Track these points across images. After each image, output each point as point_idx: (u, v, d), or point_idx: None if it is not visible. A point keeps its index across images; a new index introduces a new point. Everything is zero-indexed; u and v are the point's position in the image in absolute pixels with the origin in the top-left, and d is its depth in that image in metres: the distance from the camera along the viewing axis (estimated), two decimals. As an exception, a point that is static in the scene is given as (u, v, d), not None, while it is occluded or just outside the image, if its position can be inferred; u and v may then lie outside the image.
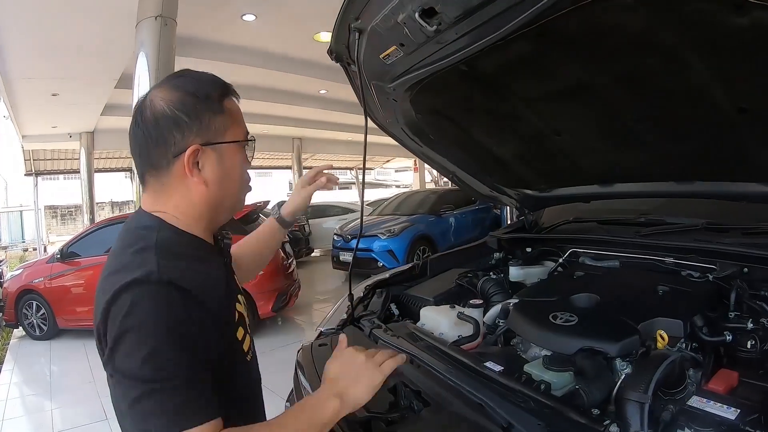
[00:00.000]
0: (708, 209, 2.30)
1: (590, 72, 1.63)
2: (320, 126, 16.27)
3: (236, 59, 9.10)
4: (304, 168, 20.38)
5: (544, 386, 1.30)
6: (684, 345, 1.40)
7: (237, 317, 1.06)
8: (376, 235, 9.34)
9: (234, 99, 1.08)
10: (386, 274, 2.55)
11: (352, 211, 14.12)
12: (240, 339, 1.06)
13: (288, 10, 7.39)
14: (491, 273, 2.56)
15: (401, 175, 36.17)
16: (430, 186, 24.33)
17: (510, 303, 1.89)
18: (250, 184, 1.14)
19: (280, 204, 1.61)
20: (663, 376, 1.20)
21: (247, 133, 1.09)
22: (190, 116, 0.97)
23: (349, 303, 2.19)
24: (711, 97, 1.53)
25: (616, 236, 2.39)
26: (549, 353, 1.48)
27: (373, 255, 9.23)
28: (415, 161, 23.93)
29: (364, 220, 10.29)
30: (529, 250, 2.89)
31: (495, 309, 1.99)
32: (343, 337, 1.16)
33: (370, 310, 2.17)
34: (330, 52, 1.83)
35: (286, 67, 9.94)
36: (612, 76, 1.62)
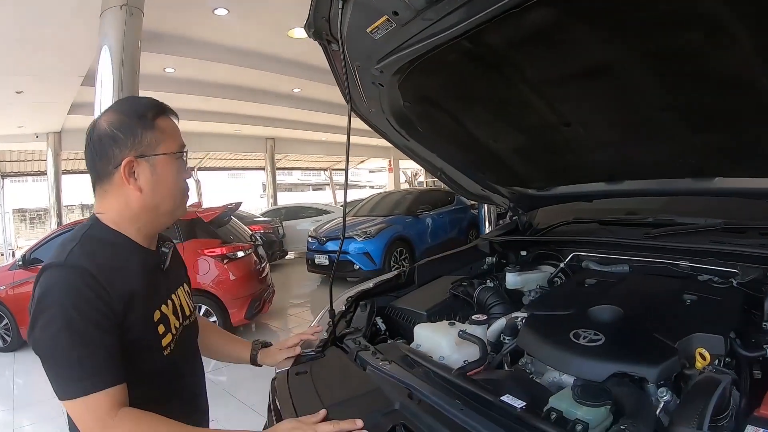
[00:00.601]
0: (717, 208, 2.14)
1: (616, 50, 1.40)
2: (294, 126, 15.92)
3: (207, 56, 8.73)
4: (278, 169, 20.01)
5: (581, 427, 1.06)
6: (720, 362, 1.23)
7: (159, 316, 1.21)
8: (352, 237, 9.12)
9: (169, 117, 1.24)
10: (370, 284, 2.29)
11: (327, 212, 13.79)
12: (160, 334, 1.21)
13: (261, 5, 6.99)
14: (487, 280, 2.33)
15: (375, 176, 35.96)
16: (405, 187, 24.19)
17: (518, 317, 1.66)
18: (188, 192, 1.30)
19: (264, 344, 1.66)
20: (716, 405, 1.02)
21: (182, 146, 1.24)
22: (125, 133, 1.15)
23: (330, 319, 1.92)
24: (753, 83, 1.34)
25: (623, 238, 2.18)
26: (574, 378, 1.26)
27: (349, 257, 8.99)
28: (389, 161, 23.68)
29: (338, 221, 10.11)
30: (524, 253, 2.67)
31: (499, 323, 1.75)
32: (322, 413, 1.18)
33: (353, 326, 1.91)
34: (307, 26, 1.57)
35: (259, 64, 9.56)
36: (641, 56, 1.40)
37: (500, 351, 1.61)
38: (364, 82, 1.77)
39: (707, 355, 1.21)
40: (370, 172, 36.02)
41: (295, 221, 13.72)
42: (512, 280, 2.26)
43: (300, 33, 7.73)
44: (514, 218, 2.88)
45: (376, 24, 1.35)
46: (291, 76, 10.14)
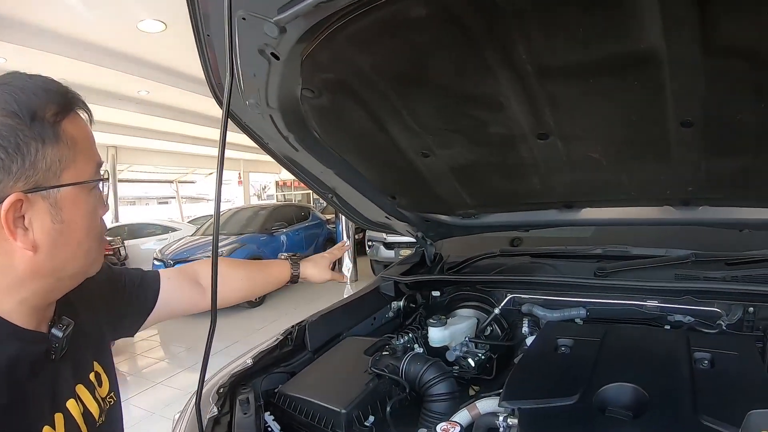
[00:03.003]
0: (670, 236, 1.90)
1: (673, 34, 0.92)
2: (139, 133, 14.25)
3: (42, 45, 7.35)
4: (119, 181, 17.92)
5: None
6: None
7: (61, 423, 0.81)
8: (201, 260, 7.98)
9: (79, 116, 0.82)
10: (248, 360, 1.56)
11: (174, 230, 12.73)
12: None
13: None
14: (406, 339, 1.76)
15: (223, 188, 33.97)
16: (254, 200, 23.06)
17: (497, 415, 1.16)
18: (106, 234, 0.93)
19: (297, 257, 1.50)
20: None
21: (99, 164, 0.84)
22: (7, 150, 0.71)
23: (198, 425, 1.17)
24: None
25: (571, 277, 1.75)
26: None
27: (199, 282, 7.87)
28: (239, 174, 22.19)
29: (186, 242, 8.99)
30: (436, 294, 2.14)
31: (461, 417, 1.20)
32: None
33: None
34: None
35: (103, 60, 8.26)
36: (703, 49, 0.95)
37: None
38: (246, 50, 1.08)
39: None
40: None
41: (139, 240, 12.51)
42: (438, 335, 1.74)
43: (151, 26, 6.89)
44: (419, 249, 2.34)
45: None
46: (138, 77, 8.97)
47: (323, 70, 1.17)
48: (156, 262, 8.60)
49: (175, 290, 1.19)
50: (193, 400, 1.50)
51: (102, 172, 0.85)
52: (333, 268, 1.60)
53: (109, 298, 1.05)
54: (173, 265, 8.05)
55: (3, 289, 0.77)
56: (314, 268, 1.52)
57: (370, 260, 9.37)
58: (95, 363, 0.97)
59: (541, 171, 1.53)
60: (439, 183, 1.74)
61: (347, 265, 10.02)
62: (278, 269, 1.46)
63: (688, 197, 1.55)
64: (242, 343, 5.39)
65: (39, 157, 0.73)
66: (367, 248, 9.47)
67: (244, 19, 0.96)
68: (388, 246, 8.79)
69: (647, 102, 1.15)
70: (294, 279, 1.47)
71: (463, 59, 1.08)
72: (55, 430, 0.81)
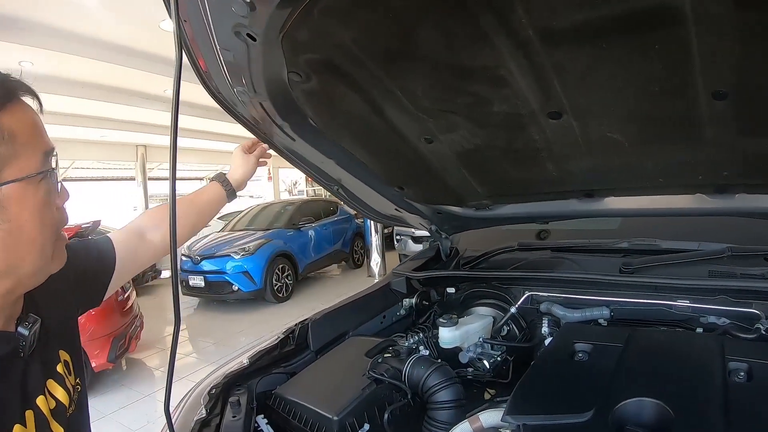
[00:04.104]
0: (690, 227, 1.79)
1: None
2: (168, 132, 14.15)
3: (69, 48, 7.48)
4: (150, 179, 18.25)
5: None
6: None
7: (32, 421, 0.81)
8: (229, 255, 8.19)
9: (21, 104, 0.76)
10: (244, 360, 1.50)
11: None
12: None
13: None
14: (413, 340, 1.65)
15: (252, 184, 34.37)
16: (285, 196, 23.18)
17: (499, 429, 1.04)
18: (66, 223, 0.85)
19: (220, 174, 1.43)
20: None
21: (49, 152, 0.78)
22: None
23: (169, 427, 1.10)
24: None
25: (593, 274, 1.61)
26: None
27: (227, 278, 8.05)
28: (269, 169, 22.37)
29: (214, 237, 9.07)
30: (452, 290, 2.03)
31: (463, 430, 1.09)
32: None
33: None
34: None
35: (129, 60, 8.42)
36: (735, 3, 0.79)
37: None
38: (222, 34, 0.98)
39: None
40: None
41: (169, 236, 12.48)
42: (449, 336, 1.62)
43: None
44: (434, 243, 2.22)
45: None
46: (164, 76, 9.14)
47: (305, 50, 1.06)
48: (184, 258, 8.66)
49: (128, 252, 1.16)
50: (189, 396, 1.44)
51: (51, 160, 0.79)
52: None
53: (71, 280, 1.01)
54: (201, 262, 8.17)
55: (16, 273, 0.77)
56: (238, 168, 1.45)
57: (399, 254, 9.27)
58: (62, 352, 0.95)
59: (555, 155, 1.39)
60: (446, 171, 1.62)
61: (375, 260, 9.95)
62: (209, 192, 1.41)
63: (723, 183, 1.39)
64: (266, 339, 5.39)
65: None
66: (395, 242, 9.37)
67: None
68: (417, 240, 8.66)
69: (671, 69, 1.00)
70: (230, 191, 1.42)
71: (453, 27, 0.95)
72: (26, 428, 0.80)
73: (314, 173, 1.72)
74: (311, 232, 9.76)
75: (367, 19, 0.96)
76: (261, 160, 1.51)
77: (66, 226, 0.87)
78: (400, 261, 9.25)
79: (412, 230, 8.55)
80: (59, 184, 0.82)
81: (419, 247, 8.98)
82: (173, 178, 0.90)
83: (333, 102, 1.31)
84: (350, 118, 1.39)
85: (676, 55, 0.95)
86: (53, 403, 0.88)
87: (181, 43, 0.88)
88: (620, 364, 1.13)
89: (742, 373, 1.06)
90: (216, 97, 1.33)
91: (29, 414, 0.82)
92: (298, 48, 1.05)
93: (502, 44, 0.97)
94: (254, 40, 1.00)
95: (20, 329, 0.83)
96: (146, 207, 17.50)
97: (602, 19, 0.89)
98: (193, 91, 1.48)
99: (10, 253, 0.75)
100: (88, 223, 5.90)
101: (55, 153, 0.80)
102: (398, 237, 9.12)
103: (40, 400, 0.85)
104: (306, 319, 1.72)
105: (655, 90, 1.06)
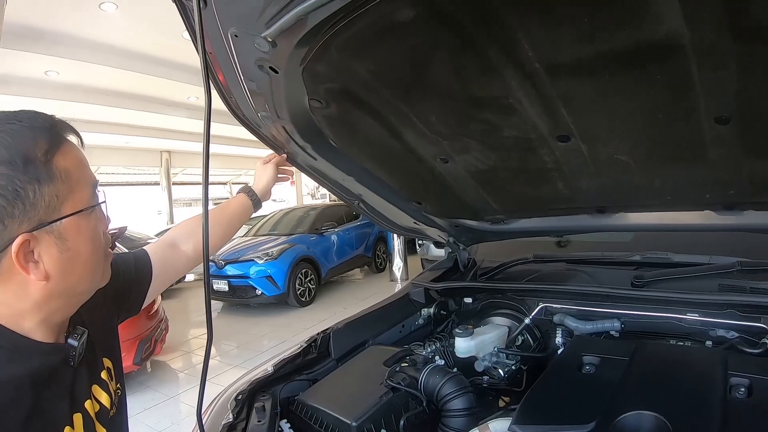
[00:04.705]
0: (702, 241, 1.82)
1: (693, 21, 0.81)
2: (191, 138, 14.69)
3: (93, 58, 7.74)
4: (174, 184, 18.55)
5: None
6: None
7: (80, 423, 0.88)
8: (253, 260, 8.26)
9: (70, 145, 0.84)
10: (269, 367, 1.57)
11: None
12: None
13: (153, 1, 6.24)
14: (430, 350, 1.71)
15: (275, 188, 34.66)
16: (308, 200, 23.32)
17: None
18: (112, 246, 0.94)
19: (245, 186, 1.53)
20: None
21: (95, 184, 0.87)
22: (7, 198, 0.74)
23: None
24: None
25: (605, 287, 1.65)
26: None
27: (251, 282, 8.12)
28: (292, 174, 22.59)
29: (237, 242, 9.19)
30: (469, 300, 2.08)
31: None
32: None
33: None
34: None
35: (151, 68, 8.67)
36: (733, 35, 0.83)
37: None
38: (246, 67, 1.07)
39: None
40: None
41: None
42: (464, 346, 1.68)
43: (196, 34, 7.15)
44: (451, 254, 2.29)
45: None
46: (186, 83, 9.42)
47: (325, 81, 1.14)
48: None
49: (163, 263, 1.25)
50: (218, 401, 1.53)
51: (98, 192, 0.88)
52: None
53: (112, 291, 1.09)
54: (224, 266, 8.32)
55: (22, 313, 0.83)
56: (261, 178, 1.54)
57: (421, 259, 9.28)
58: (105, 359, 1.04)
59: (565, 175, 1.44)
60: (462, 189, 1.68)
61: (398, 264, 9.98)
62: (236, 203, 1.50)
63: (730, 201, 1.42)
64: (290, 343, 5.47)
65: (38, 198, 0.77)
66: (417, 246, 9.38)
67: (236, 36, 0.95)
68: (439, 244, 8.65)
69: (674, 97, 1.04)
70: (255, 201, 1.51)
71: (463, 61, 1.02)
72: (74, 429, 0.88)
73: (336, 189, 1.80)
74: (334, 237, 9.76)
75: (380, 54, 1.03)
76: (281, 175, 1.60)
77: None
78: (423, 265, 9.28)
79: (434, 235, 8.56)
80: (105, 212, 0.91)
81: (441, 252, 8.96)
82: (205, 203, 0.98)
83: (352, 126, 1.38)
84: (368, 140, 1.46)
85: (678, 85, 1.00)
86: (97, 407, 0.97)
87: (208, 74, 0.96)
88: (624, 377, 1.18)
89: (743, 389, 1.09)
90: (241, 119, 1.42)
91: (77, 417, 0.90)
92: (317, 78, 1.13)
93: (510, 76, 1.04)
94: (276, 72, 1.08)
95: (70, 341, 0.92)
96: (170, 211, 17.76)
97: (604, 54, 0.94)
98: (216, 98, 1.57)
99: (69, 276, 0.84)
100: (114, 230, 6.03)
101: (98, 183, 0.89)
102: (420, 241, 9.14)
103: (87, 404, 0.93)
104: (328, 329, 1.79)
105: (659, 116, 1.11)
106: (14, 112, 0.81)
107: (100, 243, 0.89)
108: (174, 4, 1.01)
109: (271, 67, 1.05)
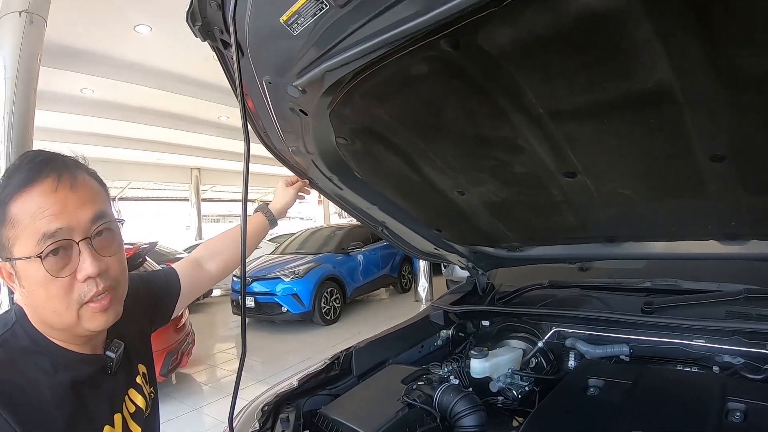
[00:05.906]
0: (711, 269, 1.85)
1: (688, 67, 0.88)
2: (221, 156, 15.05)
3: (127, 77, 8.07)
4: (203, 200, 18.96)
5: None
6: None
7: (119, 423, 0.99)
8: (279, 277, 8.39)
9: (33, 192, 0.84)
10: (294, 382, 1.68)
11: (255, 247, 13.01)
12: None
13: (185, 23, 6.38)
14: (447, 370, 1.79)
15: (303, 206, 35.03)
16: (335, 218, 23.52)
17: None
18: (90, 293, 0.89)
19: (263, 205, 1.62)
20: None
21: (47, 235, 0.84)
22: None
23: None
24: None
25: (616, 313, 1.72)
26: None
27: (277, 299, 8.26)
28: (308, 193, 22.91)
29: (265, 260, 9.35)
30: (486, 323, 2.16)
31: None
32: None
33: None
34: (191, 18, 1.00)
35: (183, 88, 8.98)
36: (723, 82, 0.90)
37: None
38: (279, 108, 1.20)
39: None
40: (298, 202, 35.01)
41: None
42: (479, 367, 1.76)
43: (227, 56, 7.40)
44: (470, 279, 2.38)
45: (294, 7, 0.79)
46: (217, 103, 9.66)
47: (349, 122, 1.27)
48: (235, 279, 8.86)
49: (190, 280, 1.36)
50: (245, 411, 1.64)
51: (49, 242, 0.84)
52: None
53: (146, 304, 1.23)
54: (251, 282, 8.48)
55: (53, 328, 0.92)
56: (280, 199, 1.62)
57: (446, 280, 9.31)
58: (140, 366, 1.15)
59: (574, 208, 1.53)
60: (479, 218, 1.78)
61: (423, 285, 9.99)
62: (255, 222, 1.58)
63: (732, 232, 1.48)
64: (314, 360, 5.56)
65: (2, 234, 0.85)
66: (442, 268, 9.40)
67: (270, 83, 1.08)
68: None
69: (669, 139, 1.12)
70: (271, 219, 1.59)
71: (474, 106, 1.13)
72: (114, 427, 0.98)
73: (361, 216, 1.92)
74: (360, 257, 9.83)
75: (399, 100, 1.15)
76: (300, 194, 1.69)
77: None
78: (447, 286, 9.27)
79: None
80: (80, 259, 0.87)
81: (466, 273, 8.98)
82: (244, 231, 1.10)
83: (375, 160, 1.50)
84: (391, 173, 1.58)
85: (672, 127, 1.07)
86: (133, 408, 1.08)
87: (246, 119, 1.09)
88: (626, 400, 1.25)
89: (739, 414, 1.14)
90: (274, 152, 1.56)
91: (117, 417, 1.01)
92: (343, 120, 1.25)
93: (517, 120, 1.14)
94: (306, 114, 1.21)
95: (108, 353, 1.01)
96: (199, 227, 18.04)
97: (600, 102, 1.03)
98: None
99: (38, 311, 0.90)
100: (146, 245, 6.20)
101: (55, 238, 0.84)
102: (445, 263, 9.18)
103: (124, 406, 1.05)
104: (350, 347, 1.89)
105: (656, 155, 1.19)
106: (34, 151, 0.89)
107: (56, 292, 0.87)
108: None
109: (301, 110, 1.18)
